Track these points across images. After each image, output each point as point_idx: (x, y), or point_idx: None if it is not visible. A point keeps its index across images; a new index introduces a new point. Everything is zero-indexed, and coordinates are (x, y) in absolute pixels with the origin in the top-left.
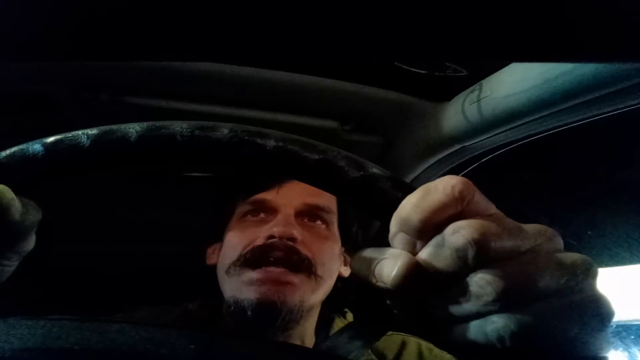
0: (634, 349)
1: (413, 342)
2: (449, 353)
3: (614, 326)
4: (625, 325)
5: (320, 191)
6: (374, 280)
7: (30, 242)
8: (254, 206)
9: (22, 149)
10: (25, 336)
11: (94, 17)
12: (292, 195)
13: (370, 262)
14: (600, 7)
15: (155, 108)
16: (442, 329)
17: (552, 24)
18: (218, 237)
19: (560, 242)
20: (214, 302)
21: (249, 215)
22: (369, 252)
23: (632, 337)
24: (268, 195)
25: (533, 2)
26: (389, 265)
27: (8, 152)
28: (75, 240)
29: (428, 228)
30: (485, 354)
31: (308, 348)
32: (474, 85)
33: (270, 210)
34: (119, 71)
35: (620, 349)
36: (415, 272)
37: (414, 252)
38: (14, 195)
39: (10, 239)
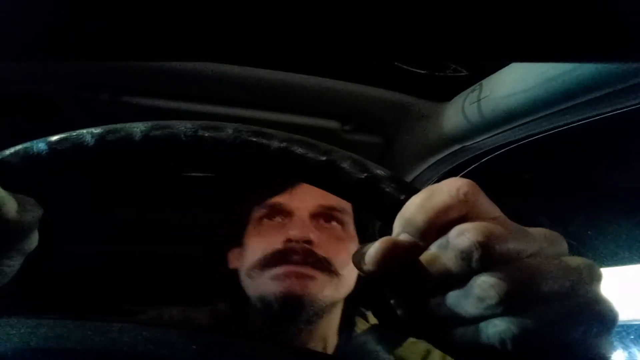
0: (634, 349)
1: (438, 351)
2: (451, 354)
3: None
4: (625, 325)
5: None
6: (364, 266)
7: (32, 241)
8: (269, 210)
9: (26, 148)
10: (27, 336)
11: (94, 17)
12: (306, 198)
13: (362, 253)
14: (600, 7)
15: (155, 108)
16: (445, 330)
17: (552, 24)
18: (237, 241)
19: (565, 246)
20: (241, 302)
21: (265, 220)
22: (364, 246)
23: (632, 337)
24: (282, 199)
25: (533, 2)
26: (371, 247)
27: (12, 150)
28: (87, 240)
29: (432, 229)
30: (487, 356)
31: (309, 350)
32: (474, 85)
33: (285, 213)
34: (119, 71)
35: (620, 349)
36: (395, 253)
37: None
38: (6, 193)
39: (8, 238)
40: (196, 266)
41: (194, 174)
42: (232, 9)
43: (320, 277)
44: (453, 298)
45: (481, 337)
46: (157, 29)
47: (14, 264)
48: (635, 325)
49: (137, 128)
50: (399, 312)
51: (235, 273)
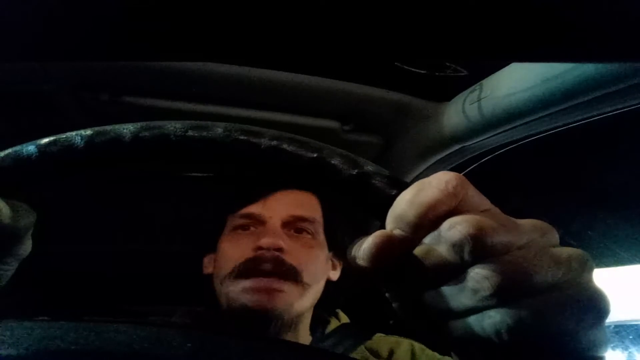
0: (633, 349)
1: (406, 342)
2: (447, 348)
3: (613, 326)
4: (624, 325)
5: (305, 202)
6: (358, 262)
7: (27, 246)
8: (243, 219)
9: (15, 151)
10: (23, 338)
11: (94, 17)
12: (278, 207)
13: (355, 253)
14: (600, 7)
15: (155, 108)
16: (440, 324)
17: (552, 24)
18: (213, 247)
19: (555, 237)
20: (217, 306)
21: (239, 229)
22: (356, 244)
23: (631, 337)
24: (255, 209)
25: (533, 2)
26: (365, 242)
27: (2, 154)
28: (76, 240)
29: (423, 224)
30: (483, 348)
31: (305, 345)
32: (474, 85)
33: (258, 222)
34: (119, 71)
35: (619, 349)
36: (390, 247)
37: None
38: (0, 199)
39: (3, 243)
40: (180, 267)
41: (188, 174)
42: (232, 8)
43: (289, 289)
44: (447, 291)
45: (477, 329)
46: (157, 29)
47: (9, 268)
48: (635, 325)
49: (127, 129)
50: (394, 306)
51: (209, 278)
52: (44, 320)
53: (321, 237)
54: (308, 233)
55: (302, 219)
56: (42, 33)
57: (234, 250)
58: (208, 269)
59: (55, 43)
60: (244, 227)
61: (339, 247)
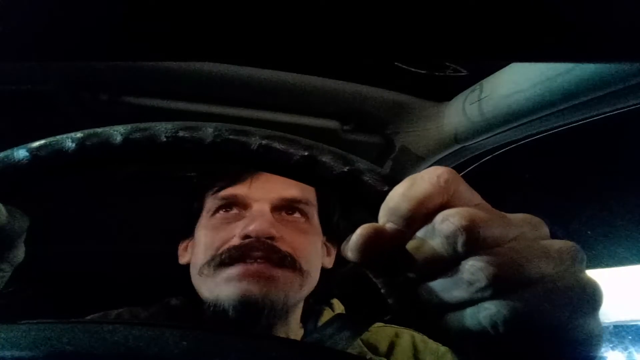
0: (632, 349)
1: (406, 334)
2: (443, 342)
3: (613, 326)
4: (624, 325)
5: (297, 182)
6: (347, 253)
7: (20, 252)
8: (225, 201)
9: (7, 155)
10: (17, 340)
11: (94, 17)
12: (267, 189)
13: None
14: (600, 7)
15: (155, 108)
16: (436, 317)
17: (552, 24)
18: (189, 233)
19: (546, 230)
20: (196, 297)
21: (220, 211)
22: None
23: (631, 337)
24: (240, 190)
25: (533, 3)
26: (352, 235)
27: None
28: (60, 241)
29: (416, 217)
30: (479, 341)
31: (303, 342)
32: (474, 85)
33: (243, 205)
34: (119, 71)
35: (619, 349)
36: (378, 239)
37: None
38: None
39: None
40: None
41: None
42: (232, 9)
43: (283, 275)
44: (442, 284)
45: (473, 322)
46: (157, 29)
47: (3, 275)
48: (634, 325)
49: (117, 131)
50: (389, 300)
51: (186, 268)
52: (39, 321)
53: (316, 220)
54: (302, 215)
55: (296, 201)
56: (42, 33)
57: (215, 236)
58: (184, 257)
59: (55, 43)
60: (226, 209)
61: (333, 231)
